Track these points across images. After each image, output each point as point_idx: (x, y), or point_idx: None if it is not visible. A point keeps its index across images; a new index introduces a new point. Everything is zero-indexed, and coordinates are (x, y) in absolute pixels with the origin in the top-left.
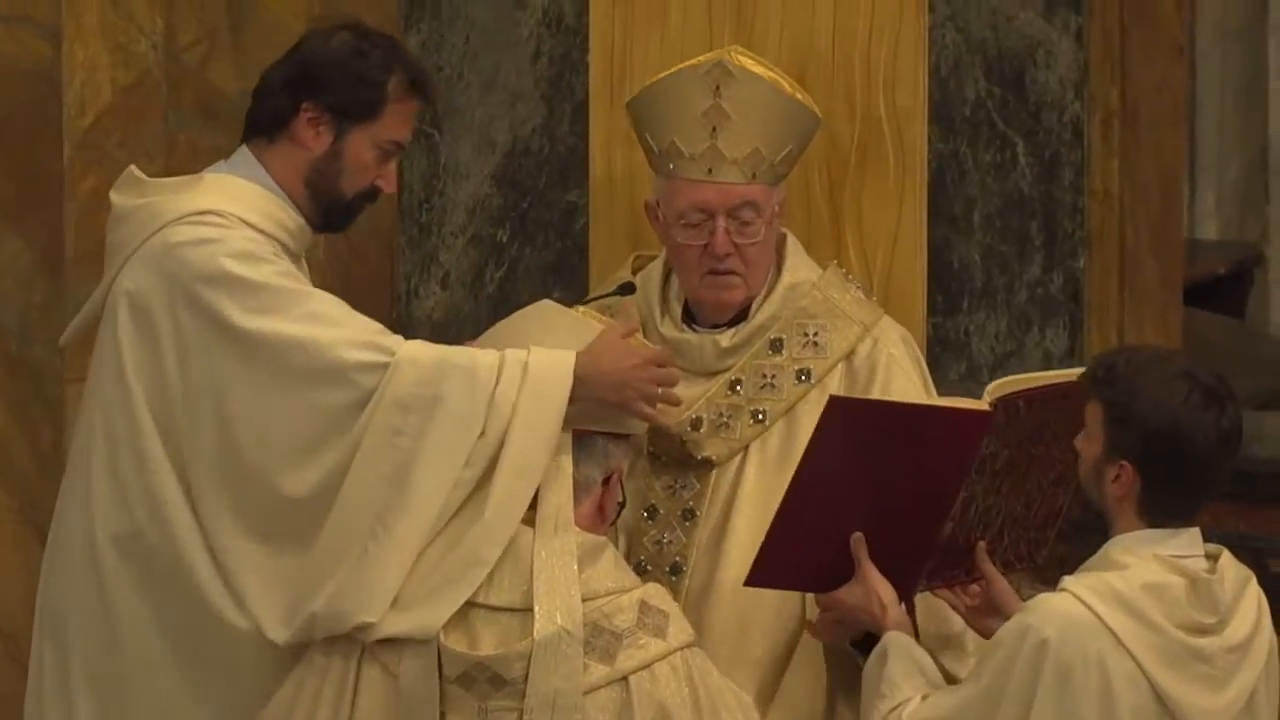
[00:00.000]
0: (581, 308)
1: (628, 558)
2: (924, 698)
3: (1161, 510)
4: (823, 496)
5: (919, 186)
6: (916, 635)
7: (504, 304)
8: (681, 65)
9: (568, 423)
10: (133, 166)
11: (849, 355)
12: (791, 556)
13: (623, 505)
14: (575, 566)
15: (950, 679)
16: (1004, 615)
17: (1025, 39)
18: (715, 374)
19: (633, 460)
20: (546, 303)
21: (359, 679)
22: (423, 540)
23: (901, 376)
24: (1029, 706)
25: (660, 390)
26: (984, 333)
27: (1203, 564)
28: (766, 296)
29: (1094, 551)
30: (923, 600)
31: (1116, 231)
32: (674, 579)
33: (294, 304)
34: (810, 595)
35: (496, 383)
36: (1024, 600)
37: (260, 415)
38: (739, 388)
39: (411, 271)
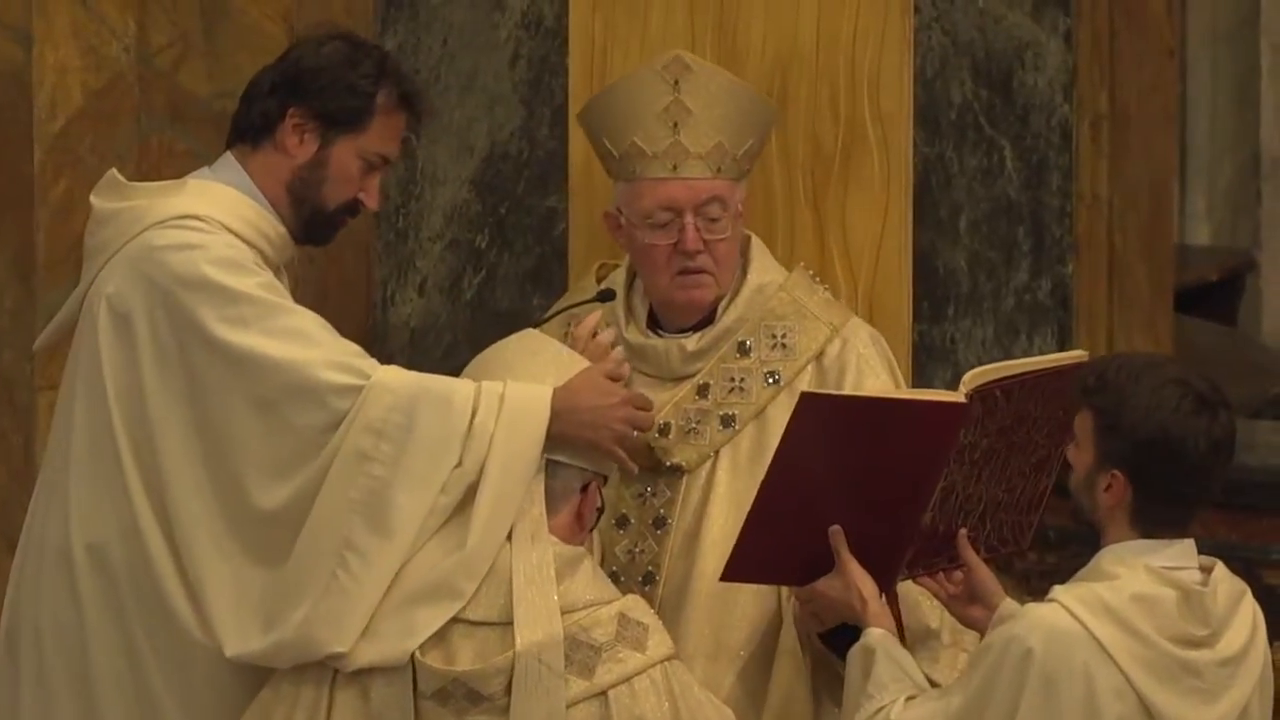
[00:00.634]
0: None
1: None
2: (909, 699)
3: (1154, 520)
4: (798, 491)
5: (904, 191)
6: (900, 626)
7: (482, 311)
8: (637, 67)
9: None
10: (114, 170)
11: (818, 356)
12: (768, 550)
13: (601, 511)
14: (553, 580)
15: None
16: (986, 604)
17: (1013, 41)
18: (682, 379)
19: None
20: (530, 332)
21: (332, 704)
22: (395, 568)
23: (871, 376)
24: (1013, 717)
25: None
26: (970, 340)
27: (1196, 576)
28: (732, 299)
29: (1084, 562)
30: (900, 596)
31: (1106, 237)
32: (647, 588)
33: (273, 317)
34: (786, 592)
35: (474, 413)
36: (1008, 595)
37: (233, 426)
38: (707, 392)
39: (388, 277)
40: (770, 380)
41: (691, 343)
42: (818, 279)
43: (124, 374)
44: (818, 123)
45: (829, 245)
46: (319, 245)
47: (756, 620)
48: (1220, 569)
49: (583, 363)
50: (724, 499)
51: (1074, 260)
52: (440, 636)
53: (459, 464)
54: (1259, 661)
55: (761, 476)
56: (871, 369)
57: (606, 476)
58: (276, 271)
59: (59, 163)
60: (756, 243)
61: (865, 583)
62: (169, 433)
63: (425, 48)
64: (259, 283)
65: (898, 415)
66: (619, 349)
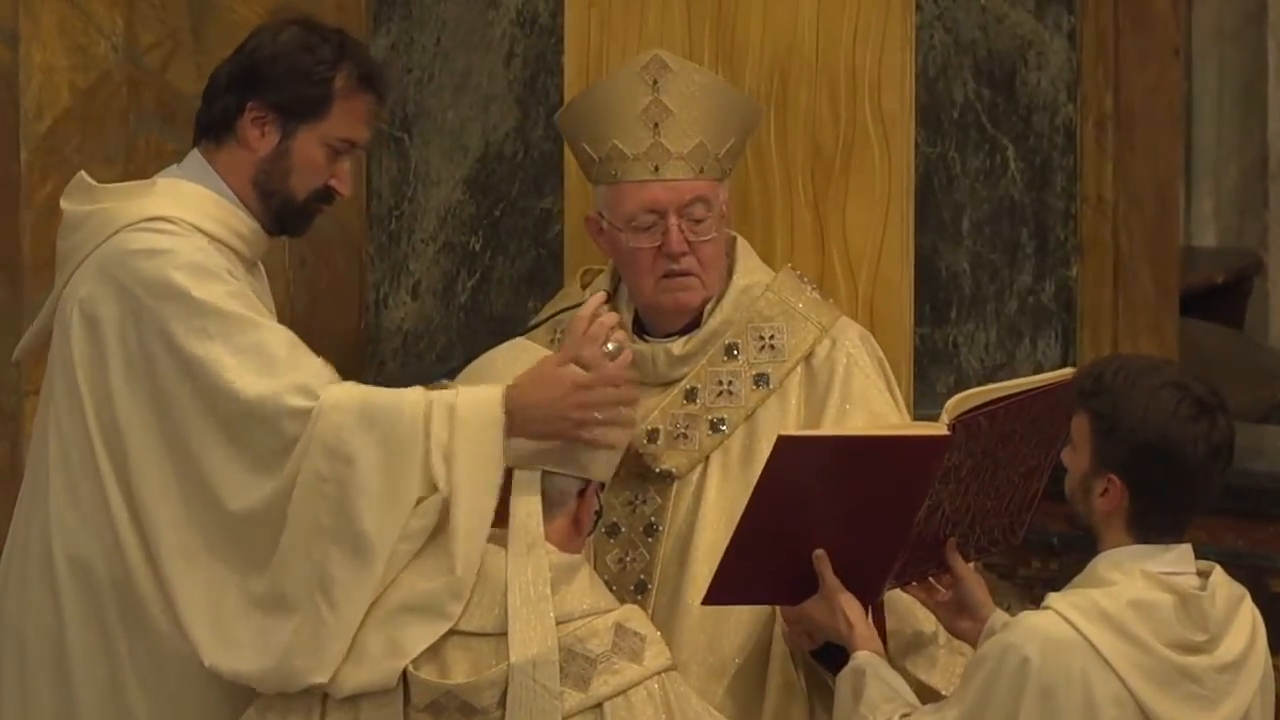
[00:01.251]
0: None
1: None
2: (903, 716)
3: (1151, 525)
4: (779, 522)
5: (906, 192)
6: (884, 640)
7: (476, 314)
8: (615, 69)
9: (520, 462)
10: (82, 173)
11: (807, 357)
12: (750, 574)
13: (599, 515)
14: (548, 592)
15: (921, 686)
16: (974, 616)
17: (1016, 39)
18: (670, 384)
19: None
20: (518, 341)
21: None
22: (373, 595)
23: (860, 377)
24: None
25: (603, 413)
26: (973, 344)
27: (1193, 581)
28: (718, 301)
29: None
30: (893, 603)
31: (1110, 239)
32: (639, 597)
33: (238, 332)
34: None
35: (428, 429)
36: (1001, 609)
37: (197, 437)
38: (695, 396)
39: (381, 280)
40: (759, 383)
41: (678, 347)
42: (805, 279)
43: (96, 380)
44: (817, 123)
45: (829, 247)
46: (296, 235)
47: (750, 627)
48: (1218, 573)
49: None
50: (715, 504)
51: (1078, 262)
52: (433, 647)
53: (426, 487)
54: (1259, 666)
55: (752, 480)
56: (861, 369)
57: (604, 482)
58: (251, 266)
59: (46, 164)
60: (742, 243)
61: (851, 606)
62: (138, 438)
63: (418, 46)
64: (227, 291)
65: (878, 452)
66: (622, 333)
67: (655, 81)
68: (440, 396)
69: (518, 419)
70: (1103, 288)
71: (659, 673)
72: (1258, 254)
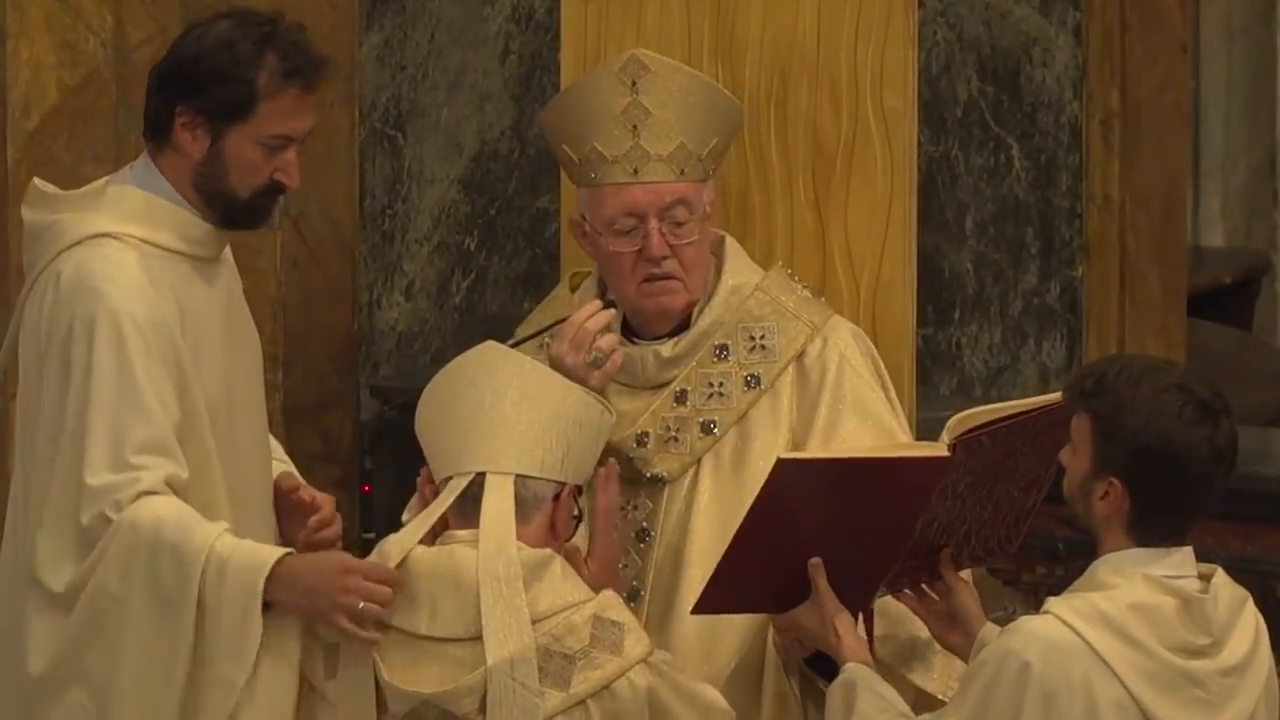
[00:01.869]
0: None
1: None
2: None
3: (1152, 529)
4: (773, 539)
5: (908, 191)
6: (872, 647)
7: (471, 315)
8: (593, 69)
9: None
10: (36, 180)
11: (799, 357)
12: (741, 586)
13: (579, 519)
14: (521, 590)
15: (919, 693)
16: (965, 629)
17: (1020, 36)
18: (659, 386)
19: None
20: (491, 345)
21: None
22: None
23: (853, 376)
24: None
25: (362, 605)
26: (977, 345)
27: (1195, 584)
28: (707, 302)
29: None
30: (888, 610)
31: (1116, 239)
32: (632, 605)
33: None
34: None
35: (201, 585)
36: (995, 619)
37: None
38: (685, 399)
39: (374, 281)
40: (750, 383)
41: (667, 349)
42: (795, 277)
43: (34, 396)
44: (818, 120)
45: (830, 247)
46: (254, 229)
47: (745, 635)
48: (1220, 575)
49: (545, 373)
50: (708, 508)
51: (1084, 263)
52: (409, 655)
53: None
54: (1263, 670)
55: (746, 484)
56: (853, 369)
57: (580, 487)
58: (210, 265)
59: (34, 161)
60: (731, 242)
61: (841, 618)
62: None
63: (412, 43)
64: (132, 352)
65: (877, 473)
66: (612, 336)
67: (634, 82)
68: (219, 551)
69: (282, 590)
70: (1109, 288)
71: (640, 660)
72: (1266, 254)
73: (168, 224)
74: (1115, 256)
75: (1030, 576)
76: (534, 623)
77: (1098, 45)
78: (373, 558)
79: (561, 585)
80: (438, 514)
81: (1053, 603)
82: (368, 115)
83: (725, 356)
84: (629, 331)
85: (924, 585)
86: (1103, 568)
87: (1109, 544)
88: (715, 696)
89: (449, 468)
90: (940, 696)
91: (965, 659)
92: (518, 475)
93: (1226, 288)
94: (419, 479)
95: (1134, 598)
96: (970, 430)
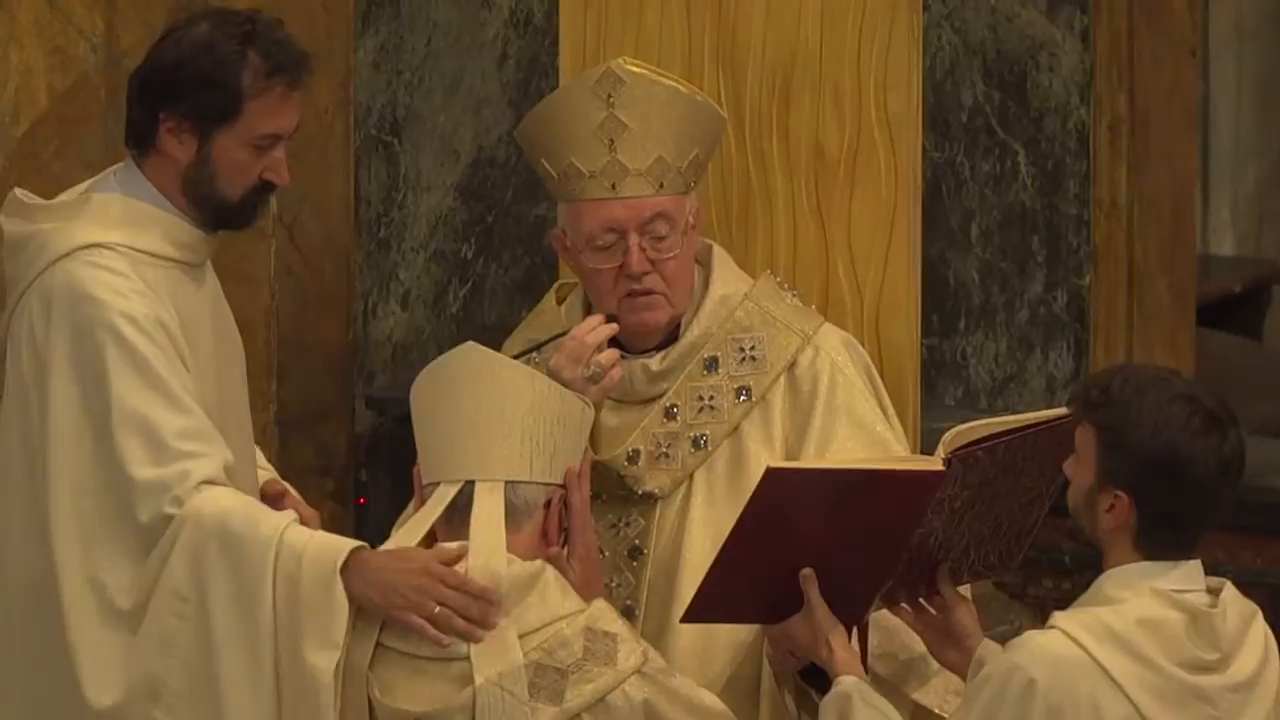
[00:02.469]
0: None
1: None
2: None
3: (1159, 542)
4: (763, 548)
5: (913, 198)
6: (865, 661)
7: (468, 324)
8: (567, 82)
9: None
10: (16, 190)
11: (790, 367)
12: (732, 595)
13: (568, 531)
14: (509, 603)
15: (915, 707)
16: (962, 647)
17: (1027, 40)
18: (648, 401)
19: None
20: (471, 348)
21: None
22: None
23: (845, 385)
24: None
25: (438, 610)
26: (982, 355)
27: (1204, 598)
28: (695, 313)
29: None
30: (884, 624)
31: (1124, 246)
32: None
33: (157, 400)
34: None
35: (275, 570)
36: (1001, 634)
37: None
38: (675, 413)
39: (370, 290)
40: (742, 396)
41: (655, 363)
42: (785, 285)
43: (37, 412)
44: (821, 126)
45: (834, 255)
46: (244, 229)
47: (740, 646)
48: (1229, 589)
49: (522, 371)
50: (701, 524)
51: (1091, 271)
52: (397, 673)
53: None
54: (1272, 685)
55: (740, 499)
56: (845, 378)
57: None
58: (197, 271)
59: (23, 168)
60: (719, 252)
61: (834, 631)
62: (59, 478)
63: (408, 47)
64: (146, 351)
65: (870, 485)
66: (613, 352)
67: (609, 96)
68: (291, 541)
69: (356, 576)
70: (1116, 297)
71: (634, 671)
72: (1277, 262)
73: (154, 230)
74: (1123, 264)
75: (1036, 590)
76: (524, 636)
77: (1105, 49)
78: None
79: (553, 597)
80: (425, 526)
81: (1059, 617)
82: (363, 121)
83: (715, 369)
84: (616, 345)
85: (922, 600)
86: (1109, 581)
87: (1115, 557)
88: (713, 701)
89: (435, 474)
90: (937, 711)
91: (962, 676)
92: (507, 481)
93: (1236, 296)
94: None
95: (1141, 612)
96: (967, 445)
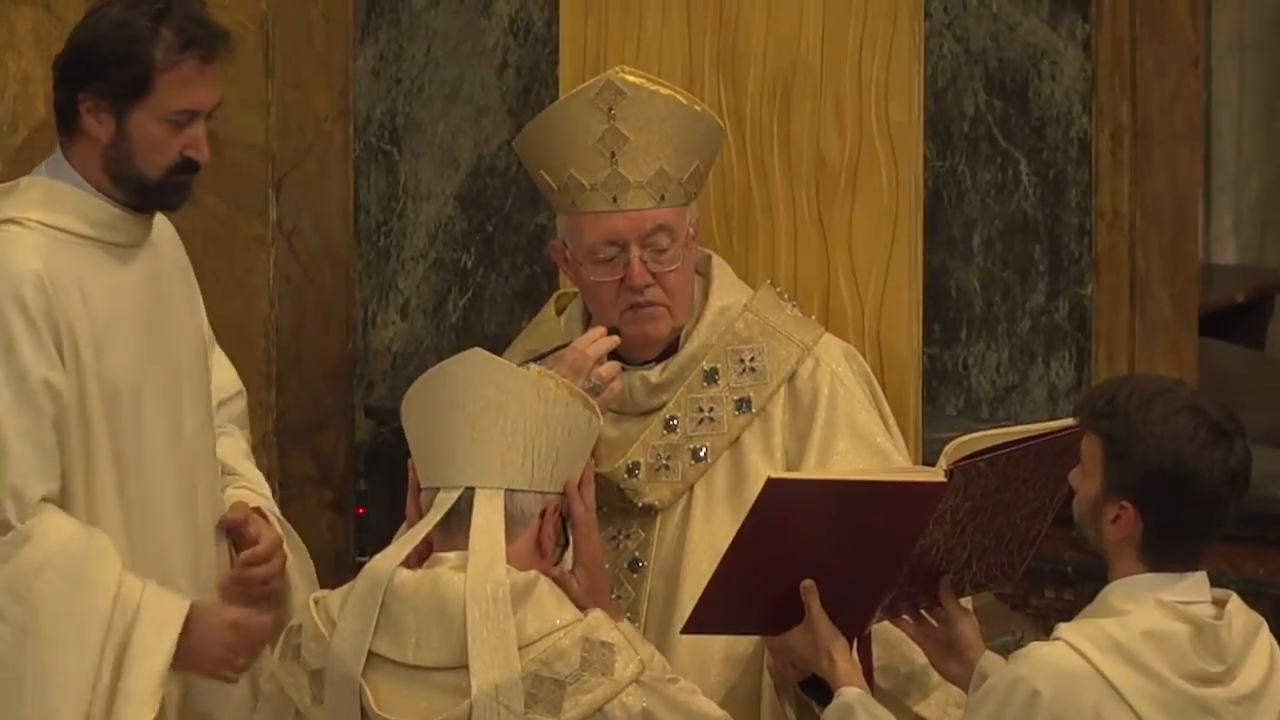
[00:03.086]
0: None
1: None
2: None
3: (1164, 553)
4: (763, 559)
5: (914, 207)
6: (870, 673)
7: (468, 334)
8: (568, 94)
9: None
10: None
11: (790, 378)
12: (732, 606)
13: (566, 545)
14: (509, 614)
15: (915, 717)
16: (963, 659)
17: (1028, 48)
18: (648, 413)
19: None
20: (476, 352)
21: None
22: None
23: (845, 397)
24: None
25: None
26: (984, 365)
27: (1209, 610)
28: (695, 325)
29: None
30: (885, 635)
31: (1126, 256)
32: None
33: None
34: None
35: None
36: (1003, 644)
37: None
38: (675, 425)
39: (369, 299)
40: (741, 407)
41: (655, 374)
42: (785, 295)
43: None
44: (822, 135)
45: (835, 264)
46: (172, 209)
47: (740, 657)
48: (1235, 601)
49: (527, 380)
50: (701, 536)
51: (1093, 280)
52: (395, 684)
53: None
54: (1277, 697)
55: (740, 509)
56: (845, 389)
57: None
58: (127, 252)
59: (21, 176)
60: (718, 262)
61: (835, 643)
62: None
63: (408, 55)
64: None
65: (870, 496)
66: (614, 364)
67: (610, 109)
68: (127, 593)
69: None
70: (1119, 306)
71: (632, 680)
72: (1279, 272)
73: (69, 209)
74: (1125, 274)
75: (1039, 600)
76: (522, 648)
77: (1107, 58)
78: (360, 581)
79: (549, 607)
80: (424, 532)
81: (1063, 629)
82: (362, 130)
83: (715, 380)
84: (615, 358)
85: (923, 611)
86: (1114, 593)
87: (1120, 568)
88: (713, 709)
89: (434, 479)
90: None
91: (964, 688)
92: (507, 490)
93: (1239, 306)
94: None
95: (1147, 624)
96: (969, 457)
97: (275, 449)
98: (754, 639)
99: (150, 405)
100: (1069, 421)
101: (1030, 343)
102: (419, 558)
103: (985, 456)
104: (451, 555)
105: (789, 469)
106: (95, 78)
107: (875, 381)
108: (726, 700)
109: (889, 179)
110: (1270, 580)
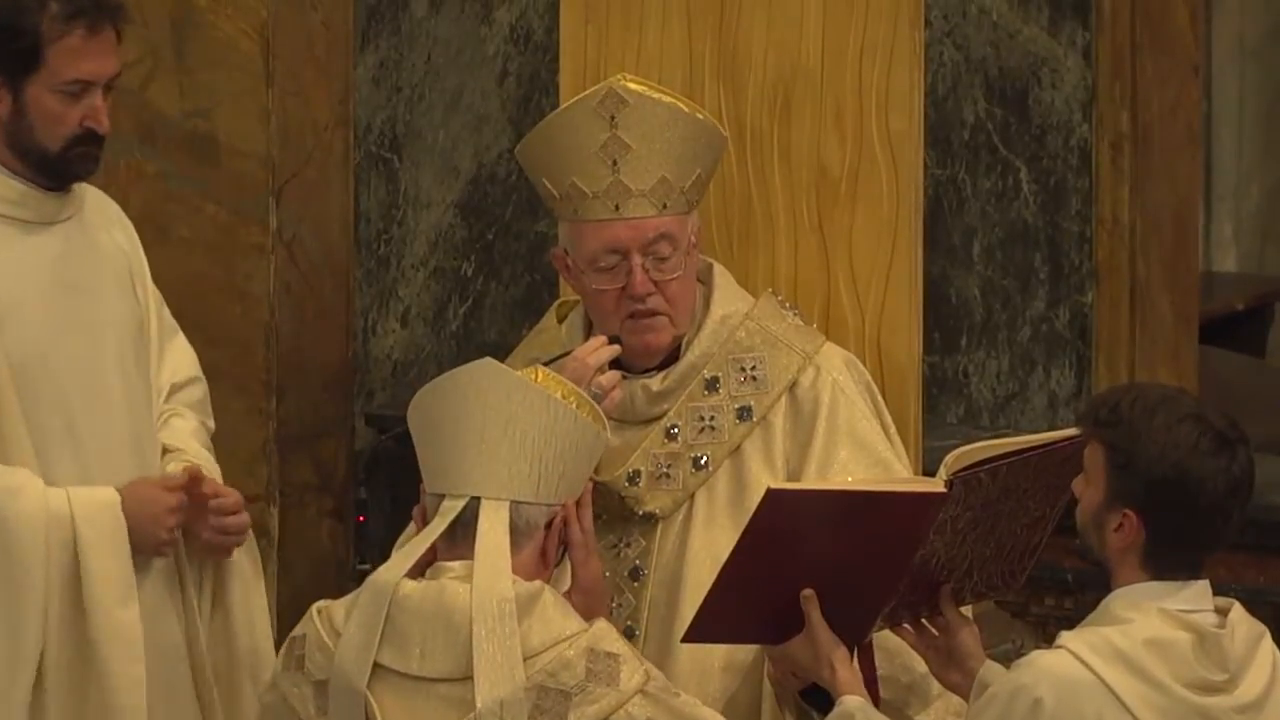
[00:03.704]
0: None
1: None
2: None
3: (1167, 562)
4: (763, 568)
5: (914, 216)
6: (875, 683)
7: (468, 342)
8: (570, 101)
9: None
10: None
11: (791, 387)
12: (732, 615)
13: (564, 550)
14: (515, 626)
15: None
16: (964, 669)
17: (1029, 56)
18: (649, 421)
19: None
20: (487, 362)
21: None
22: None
23: (846, 406)
24: None
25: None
26: (984, 373)
27: (1212, 618)
28: (696, 333)
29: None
30: (884, 642)
31: (1127, 264)
32: None
33: None
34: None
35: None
36: (1003, 652)
37: None
38: (676, 434)
39: (369, 307)
40: (742, 416)
41: (656, 383)
42: (786, 304)
43: None
44: (822, 143)
45: (835, 272)
46: (79, 180)
47: (741, 666)
48: (1237, 610)
49: (538, 394)
50: (702, 544)
51: (1093, 288)
52: (400, 695)
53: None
54: (1279, 707)
55: (741, 517)
56: (846, 398)
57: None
58: (41, 229)
59: None
60: (719, 270)
61: (836, 652)
62: None
63: (408, 64)
64: None
65: (870, 507)
66: (614, 374)
67: (613, 117)
68: (56, 510)
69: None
70: (1119, 314)
71: (638, 691)
72: (1279, 280)
73: None
74: (1125, 282)
75: (1039, 609)
76: (528, 658)
77: (1108, 66)
78: (364, 591)
79: (554, 618)
80: (430, 541)
81: (1066, 637)
82: (363, 138)
83: (716, 389)
84: (617, 365)
85: (924, 620)
86: (1117, 601)
87: (1123, 577)
88: (716, 719)
89: (439, 485)
90: None
91: (965, 697)
92: (513, 501)
93: (1239, 314)
94: (414, 511)
95: (1149, 633)
96: (969, 467)
97: (275, 457)
98: (754, 648)
99: (69, 380)
100: (1070, 432)
101: (1030, 351)
102: (421, 564)
103: (986, 467)
104: (456, 565)
105: (790, 478)
106: None
107: (876, 390)
108: (728, 709)
109: (889, 187)
110: (1271, 588)
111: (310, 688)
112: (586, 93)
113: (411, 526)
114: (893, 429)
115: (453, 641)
